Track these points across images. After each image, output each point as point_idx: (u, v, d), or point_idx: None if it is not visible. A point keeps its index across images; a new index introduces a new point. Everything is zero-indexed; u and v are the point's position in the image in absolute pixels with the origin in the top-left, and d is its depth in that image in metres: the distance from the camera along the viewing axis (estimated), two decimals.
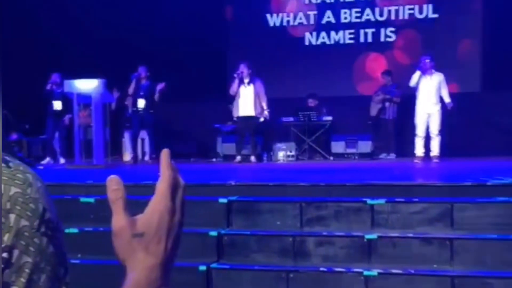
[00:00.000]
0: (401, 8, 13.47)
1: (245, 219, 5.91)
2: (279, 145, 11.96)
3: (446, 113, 10.37)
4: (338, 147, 12.21)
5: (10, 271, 0.69)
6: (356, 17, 13.69)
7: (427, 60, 10.32)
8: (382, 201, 5.68)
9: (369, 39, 13.59)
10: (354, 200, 5.80)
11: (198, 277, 5.31)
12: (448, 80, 10.45)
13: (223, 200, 5.87)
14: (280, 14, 14.08)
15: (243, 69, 11.14)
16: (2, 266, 0.68)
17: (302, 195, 6.06)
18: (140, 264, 0.75)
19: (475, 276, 5.09)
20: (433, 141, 10.38)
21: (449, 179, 6.38)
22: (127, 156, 12.55)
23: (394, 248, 5.41)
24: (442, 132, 10.32)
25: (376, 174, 7.94)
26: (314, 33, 13.91)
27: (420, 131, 10.46)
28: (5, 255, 0.69)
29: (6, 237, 0.69)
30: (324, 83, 13.13)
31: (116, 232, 0.75)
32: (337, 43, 13.76)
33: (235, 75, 11.17)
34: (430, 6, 13.27)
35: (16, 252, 0.70)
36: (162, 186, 0.78)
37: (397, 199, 5.71)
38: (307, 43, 13.93)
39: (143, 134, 12.14)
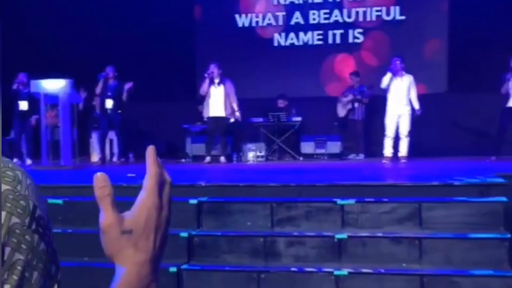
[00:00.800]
0: (368, 9, 13.59)
1: (216, 220, 5.90)
2: (248, 145, 11.97)
3: (415, 114, 10.50)
4: (307, 147, 12.27)
5: (2, 269, 0.69)
6: (325, 18, 13.77)
7: (398, 62, 10.41)
8: (352, 201, 5.73)
9: (338, 40, 13.69)
10: (324, 200, 5.83)
11: (168, 279, 5.28)
12: (416, 81, 10.58)
13: (193, 201, 5.85)
14: (249, 15, 14.09)
15: (213, 69, 11.12)
16: None
17: (273, 195, 6.07)
18: (130, 260, 0.76)
19: (443, 275, 5.17)
20: (402, 141, 10.50)
21: (417, 179, 6.46)
22: (95, 157, 12.43)
23: (364, 248, 5.46)
24: (410, 132, 10.45)
25: (345, 174, 8.00)
26: (283, 34, 13.96)
27: (389, 132, 10.56)
28: None
29: None
30: (293, 84, 13.19)
31: (105, 229, 0.75)
32: (305, 44, 13.83)
33: (206, 75, 11.14)
34: (397, 8, 13.42)
35: (8, 250, 0.69)
36: (150, 182, 0.78)
37: (366, 199, 5.76)
38: (276, 43, 13.97)
39: (111, 134, 12.03)
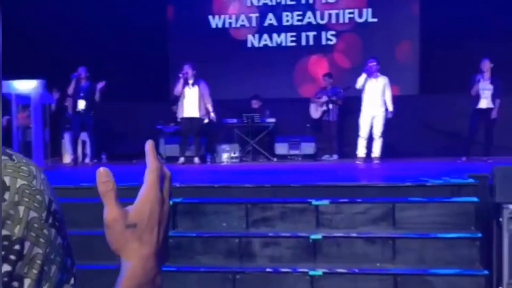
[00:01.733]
0: (341, 12, 13.69)
1: (191, 221, 5.90)
2: (222, 146, 11.97)
3: (388, 115, 10.59)
4: (281, 148, 12.32)
5: (22, 263, 0.69)
6: (298, 20, 13.84)
7: (373, 63, 10.50)
8: (326, 201, 5.77)
9: (311, 42, 13.76)
10: (299, 201, 5.86)
11: None
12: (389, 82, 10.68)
13: None
14: (222, 16, 14.09)
15: (188, 70, 11.09)
16: (14, 258, 0.68)
17: (248, 196, 6.09)
18: (135, 254, 0.77)
19: (416, 274, 5.25)
20: (375, 142, 10.59)
21: (390, 179, 6.53)
22: (67, 158, 12.31)
23: (339, 248, 5.51)
24: (383, 133, 10.55)
25: (319, 175, 8.05)
26: (257, 35, 13.99)
27: (363, 133, 10.64)
28: (17, 247, 0.69)
29: (17, 229, 0.69)
30: (267, 85, 13.23)
31: (109, 224, 0.76)
32: (279, 45, 13.88)
33: (180, 76, 11.11)
34: (370, 10, 13.53)
35: (27, 244, 0.69)
36: (151, 177, 0.79)
37: (340, 200, 5.81)
38: (249, 45, 13.99)
39: (84, 136, 11.93)
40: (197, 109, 11.13)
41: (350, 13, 13.65)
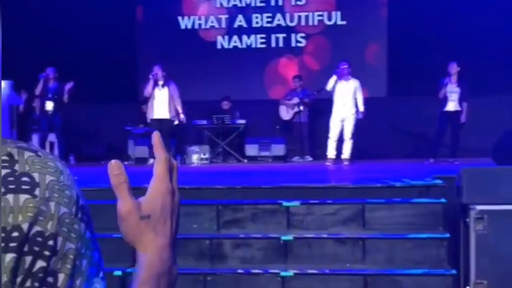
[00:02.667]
0: (310, 14, 13.76)
1: None
2: (192, 147, 11.94)
3: (358, 116, 10.69)
4: (251, 150, 12.33)
5: (56, 259, 0.70)
6: (268, 22, 13.88)
7: (345, 66, 10.58)
8: (297, 203, 5.81)
9: (281, 44, 13.82)
10: (269, 202, 5.88)
11: (113, 282, 5.23)
12: None
13: None
14: (192, 17, 14.05)
15: (157, 71, 11.06)
16: (49, 254, 0.69)
17: (218, 197, 6.09)
18: (151, 245, 0.79)
19: (385, 274, 5.31)
20: (346, 144, 10.67)
21: (360, 181, 6.60)
22: None
23: (309, 249, 5.55)
24: (353, 135, 10.63)
25: (290, 176, 8.09)
26: (226, 37, 13.98)
27: (333, 134, 10.71)
28: (51, 243, 0.69)
29: (49, 225, 0.69)
30: (237, 87, 13.24)
31: (124, 216, 0.78)
32: (249, 47, 13.90)
33: (150, 77, 11.07)
34: (339, 13, 13.64)
35: (60, 239, 0.70)
36: (160, 168, 0.82)
37: (311, 201, 5.85)
38: (219, 46, 13.99)
39: (52, 137, 11.78)
40: (167, 111, 11.10)
41: (319, 15, 13.74)
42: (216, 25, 14.02)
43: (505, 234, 5.52)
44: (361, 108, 10.57)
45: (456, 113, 10.62)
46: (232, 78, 13.36)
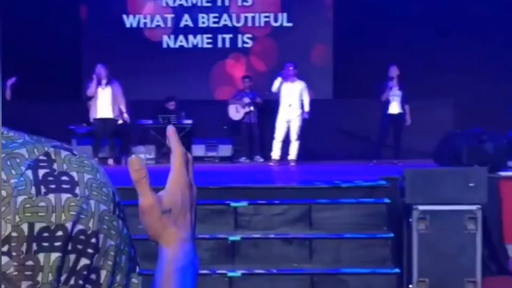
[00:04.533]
0: (257, 15, 13.81)
1: None
2: (138, 148, 11.81)
3: (303, 116, 10.78)
4: (198, 150, 12.26)
5: (99, 256, 0.70)
6: (214, 22, 13.84)
7: (291, 68, 10.64)
8: (244, 203, 5.84)
9: (227, 45, 13.80)
10: (217, 203, 5.89)
11: None
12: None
13: None
14: (137, 16, 13.90)
15: (101, 69, 10.90)
16: (92, 251, 0.69)
17: None
18: (173, 238, 0.81)
19: (332, 273, 5.40)
20: (292, 145, 10.73)
21: (307, 182, 6.68)
22: None
23: (257, 249, 5.58)
24: (299, 136, 10.72)
25: (237, 177, 8.11)
26: (172, 36, 13.88)
27: (279, 135, 10.77)
28: (93, 240, 0.69)
29: (91, 223, 0.69)
30: (184, 87, 13.15)
31: (146, 211, 0.80)
32: (195, 46, 13.83)
33: (94, 76, 10.90)
34: (285, 14, 13.72)
35: (101, 237, 0.70)
36: (178, 162, 0.83)
37: (259, 201, 5.88)
38: (165, 45, 13.87)
39: None
40: (110, 110, 10.96)
41: (266, 17, 13.79)
42: (162, 25, 13.90)
43: (446, 233, 5.70)
44: (307, 108, 10.67)
45: (399, 116, 10.84)
46: (178, 78, 13.27)
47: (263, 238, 5.63)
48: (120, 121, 11.19)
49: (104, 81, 10.92)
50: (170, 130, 0.84)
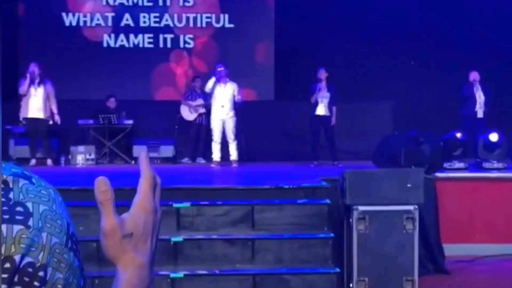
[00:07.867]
0: (198, 16, 13.77)
1: None
2: (77, 148, 11.59)
3: (243, 119, 10.82)
4: (139, 151, 12.03)
5: None
6: (155, 22, 13.72)
7: (221, 69, 10.66)
8: (187, 204, 5.83)
9: (169, 45, 13.71)
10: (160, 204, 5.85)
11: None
12: (246, 88, 10.90)
13: None
14: (77, 14, 13.65)
15: (34, 68, 10.68)
16: (38, 284, 0.69)
17: None
18: (131, 263, 0.78)
19: (274, 274, 5.45)
20: (231, 146, 10.76)
21: (249, 182, 6.73)
22: None
23: (200, 250, 5.59)
24: (239, 138, 10.76)
25: (180, 178, 8.07)
26: (113, 35, 13.68)
27: (216, 137, 10.78)
28: (41, 273, 0.69)
29: (41, 256, 0.69)
30: (125, 86, 12.98)
31: (108, 233, 0.77)
32: (136, 46, 13.68)
33: (28, 74, 10.67)
34: (226, 16, 13.73)
35: (50, 270, 0.70)
36: (145, 186, 0.81)
37: (201, 202, 5.89)
38: (105, 45, 13.67)
39: None
40: (41, 110, 10.72)
41: (207, 17, 13.77)
42: (102, 23, 13.69)
43: (385, 233, 5.84)
44: (236, 97, 10.67)
45: (326, 118, 10.97)
46: (120, 78, 13.09)
47: (205, 239, 5.64)
48: (50, 122, 10.98)
49: (37, 80, 10.70)
50: (143, 154, 0.83)
